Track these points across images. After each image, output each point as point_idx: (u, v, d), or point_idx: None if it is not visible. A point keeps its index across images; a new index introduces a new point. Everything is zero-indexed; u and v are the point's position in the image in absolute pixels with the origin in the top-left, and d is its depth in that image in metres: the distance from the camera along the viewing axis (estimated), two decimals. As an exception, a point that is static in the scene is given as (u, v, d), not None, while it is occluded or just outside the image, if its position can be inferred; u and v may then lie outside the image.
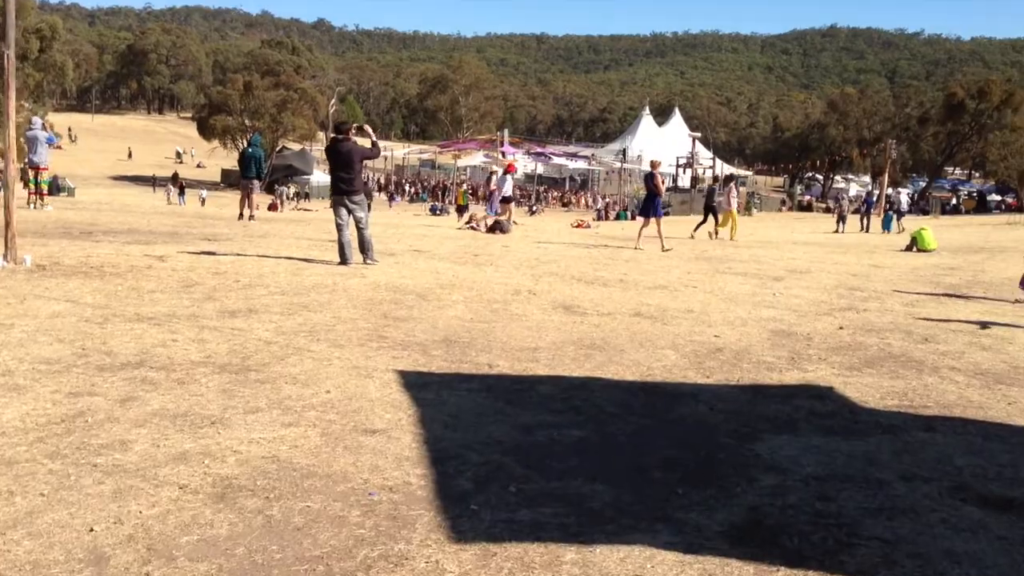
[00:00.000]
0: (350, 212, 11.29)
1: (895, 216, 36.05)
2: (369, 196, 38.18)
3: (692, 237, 22.83)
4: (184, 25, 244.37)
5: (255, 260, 10.77)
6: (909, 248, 21.41)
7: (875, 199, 45.98)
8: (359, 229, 11.28)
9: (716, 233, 23.13)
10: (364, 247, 11.26)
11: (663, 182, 18.43)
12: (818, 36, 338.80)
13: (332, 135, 11.83)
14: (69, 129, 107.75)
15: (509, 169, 23.76)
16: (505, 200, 21.90)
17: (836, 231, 33.40)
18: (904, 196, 48.72)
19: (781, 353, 7.08)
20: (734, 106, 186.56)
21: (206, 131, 77.47)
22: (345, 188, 11.39)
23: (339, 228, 11.35)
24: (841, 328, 8.42)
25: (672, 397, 5.56)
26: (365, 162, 11.71)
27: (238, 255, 11.31)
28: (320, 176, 78.29)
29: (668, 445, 4.57)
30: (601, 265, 13.23)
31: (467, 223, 20.23)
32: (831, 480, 4.13)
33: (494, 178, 23.37)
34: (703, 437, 4.75)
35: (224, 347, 6.03)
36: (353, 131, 11.91)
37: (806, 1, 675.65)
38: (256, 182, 18.37)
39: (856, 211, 40.28)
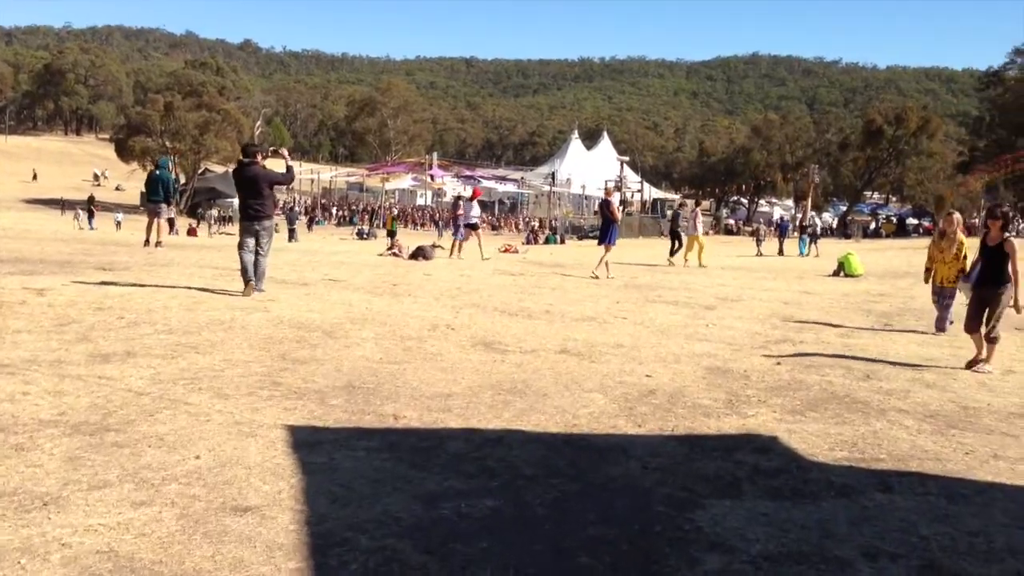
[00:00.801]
0: (256, 239, 10.60)
1: (808, 239, 36.71)
2: (292, 221, 36.76)
3: (671, 263, 22.52)
4: (105, 45, 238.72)
5: (149, 292, 9.86)
6: (836, 273, 21.31)
7: (787, 223, 47.08)
8: (257, 256, 10.60)
9: (685, 260, 22.91)
10: (256, 274, 10.55)
11: (619, 208, 18.13)
12: (741, 63, 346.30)
13: (239, 159, 11.03)
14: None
15: (475, 194, 23.18)
16: (470, 226, 21.28)
17: (756, 254, 33.64)
18: (818, 221, 49.72)
19: (718, 395, 6.51)
20: (661, 130, 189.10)
21: (125, 153, 74.94)
22: (253, 214, 10.69)
23: (244, 252, 10.64)
24: (779, 363, 7.92)
25: (600, 453, 4.91)
26: (280, 187, 11.00)
27: (132, 286, 10.38)
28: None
29: (596, 518, 3.91)
30: (527, 294, 12.60)
31: (389, 249, 19.46)
32: (785, 560, 3.51)
33: (461, 203, 22.69)
34: (636, 506, 4.10)
35: (84, 401, 5.19)
36: (262, 155, 11.19)
37: (730, 29, 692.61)
38: (164, 206, 17.26)
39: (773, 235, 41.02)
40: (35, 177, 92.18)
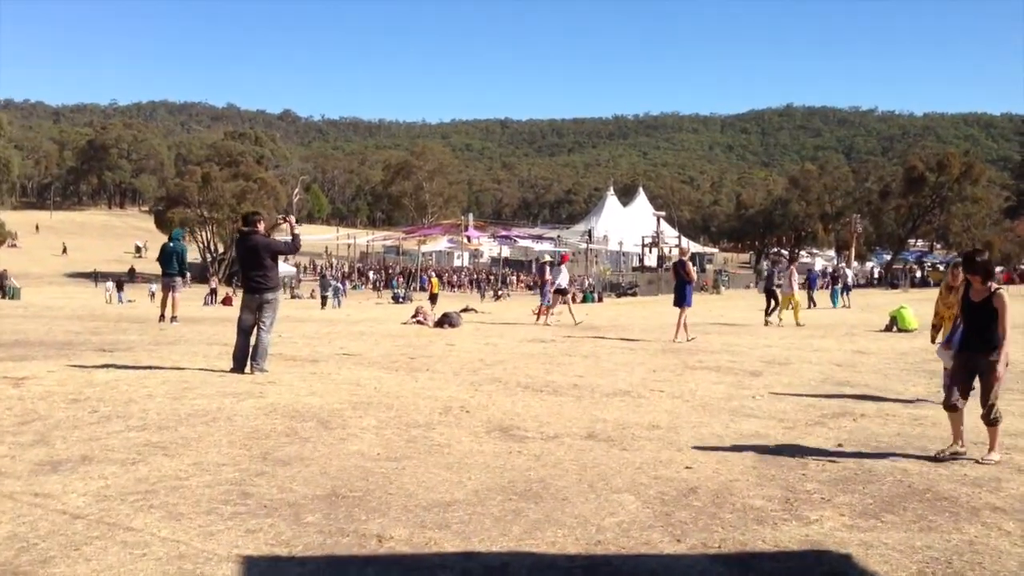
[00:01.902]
0: (258, 313, 9.88)
1: (841, 291, 35.39)
2: (324, 288, 36.10)
3: (767, 324, 21.53)
4: (150, 120, 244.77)
5: (139, 377, 9.05)
6: (889, 328, 20.10)
7: (816, 275, 45.98)
8: (259, 331, 9.87)
9: (780, 319, 21.95)
10: (256, 352, 9.83)
11: (694, 268, 17.25)
12: (775, 115, 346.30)
13: (239, 228, 10.34)
14: (36, 227, 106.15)
15: (564, 259, 22.48)
16: (560, 292, 20.47)
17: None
18: (849, 272, 48.30)
19: (773, 491, 5.48)
20: (697, 184, 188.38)
21: (164, 224, 75.70)
22: (255, 286, 9.95)
23: (240, 330, 9.94)
24: (840, 445, 6.86)
25: (629, 585, 3.92)
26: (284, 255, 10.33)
27: (125, 368, 9.61)
28: (281, 267, 76.66)
29: None
30: (555, 364, 11.63)
31: (413, 317, 18.64)
32: None
33: (548, 268, 21.91)
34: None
35: (3, 530, 4.31)
36: (261, 223, 10.49)
37: (762, 82, 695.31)
38: (179, 279, 16.64)
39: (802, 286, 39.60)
40: (64, 251, 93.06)
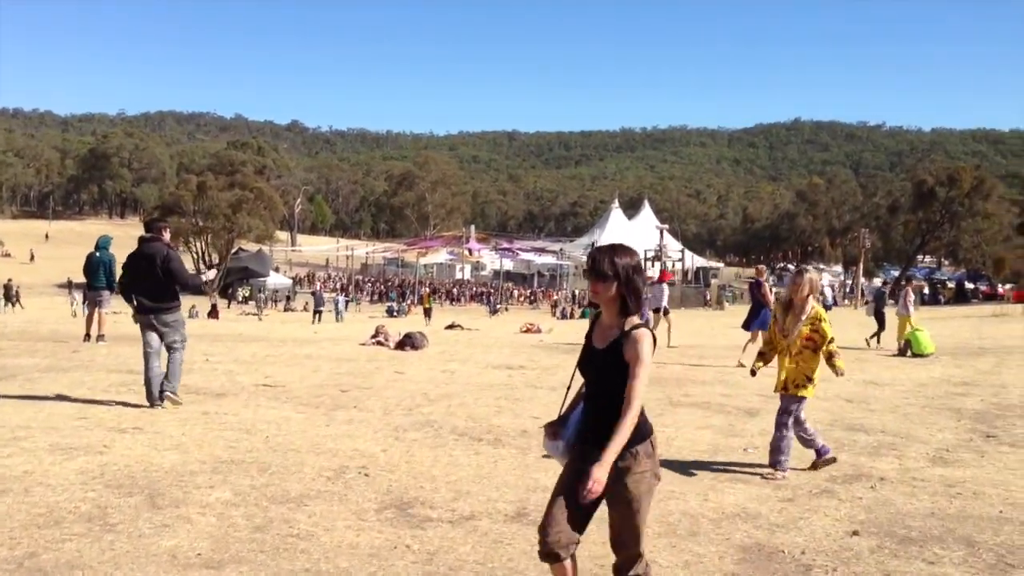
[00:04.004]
0: (160, 336, 8.51)
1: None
2: (319, 303, 34.96)
3: (868, 345, 19.90)
4: (157, 130, 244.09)
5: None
6: (903, 352, 18.24)
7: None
8: (170, 351, 8.53)
9: (878, 340, 20.27)
10: (168, 375, 8.44)
11: (771, 291, 15.66)
12: (783, 129, 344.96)
13: (140, 236, 8.67)
14: (46, 236, 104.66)
15: (663, 277, 20.64)
16: (659, 311, 18.76)
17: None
18: (828, 289, 46.30)
19: (756, 628, 3.67)
20: (704, 198, 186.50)
21: None
22: (150, 305, 8.33)
23: (146, 357, 8.43)
24: (855, 534, 5.04)
25: None
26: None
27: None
28: (277, 279, 74.58)
29: None
30: (512, 400, 9.80)
31: (373, 338, 16.83)
32: None
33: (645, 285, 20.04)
34: None
35: None
36: (167, 232, 8.88)
37: (770, 96, 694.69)
38: (106, 293, 14.81)
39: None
40: (32, 259, 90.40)
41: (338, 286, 79.94)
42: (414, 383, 10.87)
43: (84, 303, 26.06)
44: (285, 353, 14.55)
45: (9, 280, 48.11)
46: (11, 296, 44.58)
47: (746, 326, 15.74)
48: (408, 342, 15.79)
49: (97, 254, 14.72)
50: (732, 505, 5.59)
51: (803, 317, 6.60)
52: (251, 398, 9.11)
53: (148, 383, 8.40)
